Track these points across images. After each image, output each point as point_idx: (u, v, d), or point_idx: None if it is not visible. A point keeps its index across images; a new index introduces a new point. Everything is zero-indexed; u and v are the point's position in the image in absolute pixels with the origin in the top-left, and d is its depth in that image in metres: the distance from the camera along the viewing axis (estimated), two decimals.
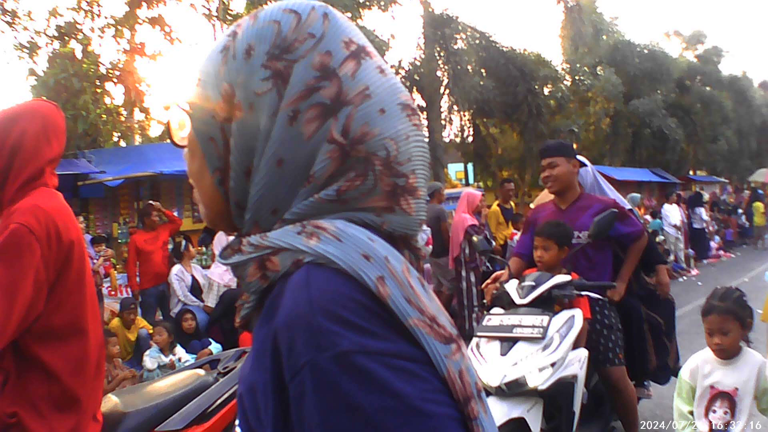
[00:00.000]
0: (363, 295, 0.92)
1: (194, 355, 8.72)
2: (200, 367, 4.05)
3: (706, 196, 27.40)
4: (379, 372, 0.86)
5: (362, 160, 1.02)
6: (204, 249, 12.65)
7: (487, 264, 10.43)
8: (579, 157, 5.75)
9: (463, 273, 10.56)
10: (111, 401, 3.30)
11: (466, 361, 0.98)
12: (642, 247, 5.52)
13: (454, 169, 31.32)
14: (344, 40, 1.07)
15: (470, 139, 28.02)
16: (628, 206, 6.10)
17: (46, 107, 2.97)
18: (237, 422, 1.09)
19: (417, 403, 0.87)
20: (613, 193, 6.20)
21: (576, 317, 4.73)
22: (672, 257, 18.83)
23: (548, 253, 5.11)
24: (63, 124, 3.04)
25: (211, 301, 10.52)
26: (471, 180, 29.86)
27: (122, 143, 17.59)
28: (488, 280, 5.53)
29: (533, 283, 4.90)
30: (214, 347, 9.05)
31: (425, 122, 23.73)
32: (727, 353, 3.94)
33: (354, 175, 1.02)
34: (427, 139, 1.12)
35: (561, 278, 4.88)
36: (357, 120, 1.02)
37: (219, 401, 3.70)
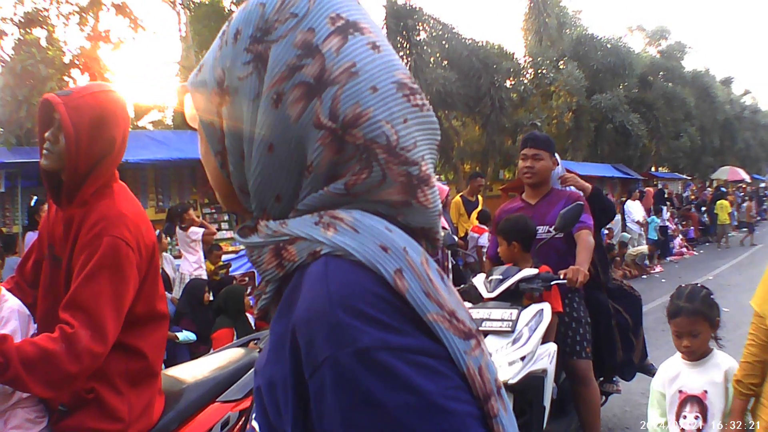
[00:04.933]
0: (382, 288, 0.91)
1: None
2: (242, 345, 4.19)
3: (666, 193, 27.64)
4: (401, 368, 0.85)
5: (362, 148, 0.97)
6: (168, 239, 12.51)
7: (452, 259, 10.42)
8: None
9: None
10: (167, 377, 3.41)
11: (486, 357, 0.97)
12: (587, 238, 5.27)
13: None
14: (330, 16, 1.02)
15: None
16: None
17: (126, 110, 3.10)
18: (254, 415, 1.07)
19: (438, 401, 0.85)
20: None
21: (545, 311, 4.74)
22: None
23: (501, 248, 5.21)
24: None
25: (179, 293, 10.32)
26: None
27: None
28: None
29: (500, 277, 4.91)
30: (182, 336, 8.78)
31: None
32: (696, 355, 3.76)
33: (358, 167, 0.98)
34: (434, 120, 1.07)
35: (528, 272, 4.89)
36: (344, 101, 0.97)
37: None
